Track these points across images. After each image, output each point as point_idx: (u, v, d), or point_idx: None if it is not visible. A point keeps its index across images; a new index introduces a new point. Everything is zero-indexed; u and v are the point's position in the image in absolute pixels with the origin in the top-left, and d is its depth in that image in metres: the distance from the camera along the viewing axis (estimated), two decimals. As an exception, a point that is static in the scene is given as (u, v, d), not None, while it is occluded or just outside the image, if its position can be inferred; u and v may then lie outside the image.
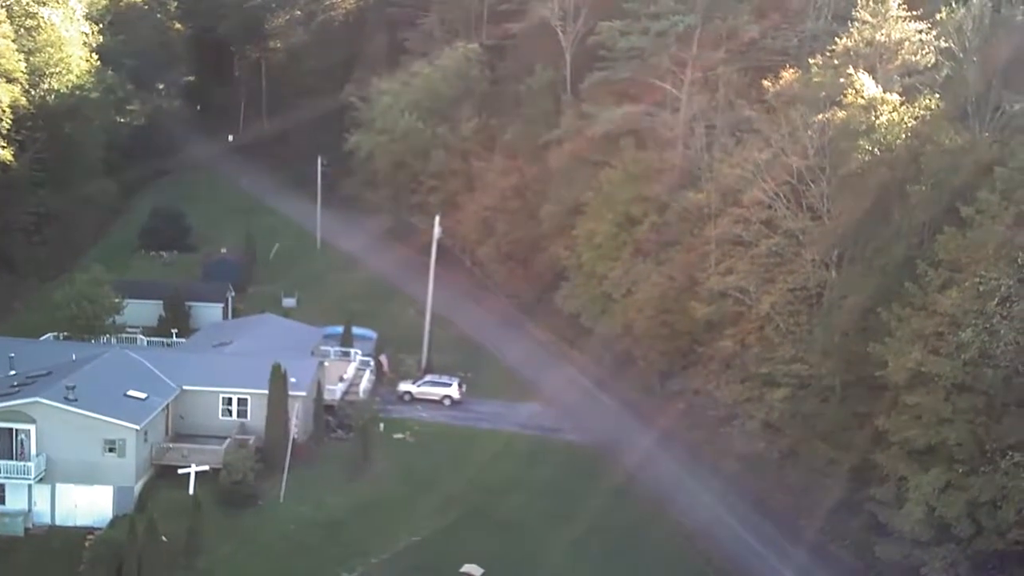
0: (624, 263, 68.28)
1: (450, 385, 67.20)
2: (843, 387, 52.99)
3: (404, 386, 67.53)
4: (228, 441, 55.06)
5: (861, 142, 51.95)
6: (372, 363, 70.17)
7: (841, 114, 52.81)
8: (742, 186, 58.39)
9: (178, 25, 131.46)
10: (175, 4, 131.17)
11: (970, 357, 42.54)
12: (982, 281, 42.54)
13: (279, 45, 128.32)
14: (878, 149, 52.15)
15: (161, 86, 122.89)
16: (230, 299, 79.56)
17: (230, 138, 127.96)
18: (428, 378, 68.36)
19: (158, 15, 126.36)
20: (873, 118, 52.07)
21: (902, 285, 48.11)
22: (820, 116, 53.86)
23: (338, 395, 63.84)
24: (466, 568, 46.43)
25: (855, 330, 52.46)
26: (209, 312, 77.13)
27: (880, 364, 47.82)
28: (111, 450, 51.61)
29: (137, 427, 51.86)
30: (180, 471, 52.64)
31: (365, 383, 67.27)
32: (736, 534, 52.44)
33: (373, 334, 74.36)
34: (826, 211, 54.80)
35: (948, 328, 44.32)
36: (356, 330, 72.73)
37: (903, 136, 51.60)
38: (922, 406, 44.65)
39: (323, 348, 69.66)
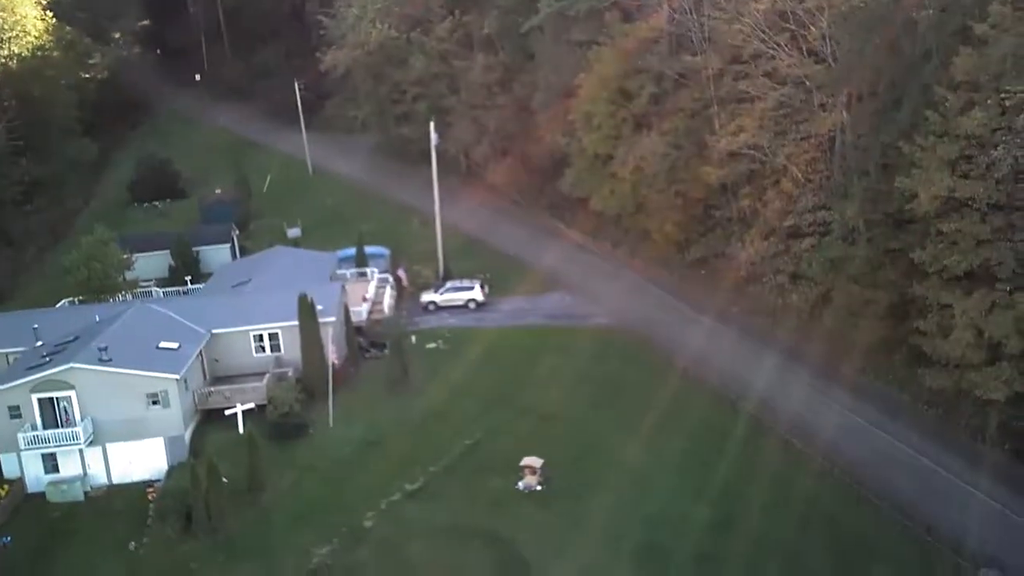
0: (626, 140, 67.25)
1: (472, 288, 66.88)
2: (868, 227, 52.66)
3: (427, 296, 67.23)
4: (267, 376, 54.96)
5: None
6: (391, 279, 69.70)
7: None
8: (739, 40, 57.02)
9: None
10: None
11: (1003, 175, 42.03)
12: (1007, 96, 41.71)
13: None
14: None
15: (118, 35, 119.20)
16: (235, 238, 78.58)
17: (197, 77, 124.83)
18: (449, 284, 68.00)
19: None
20: (868, -55, 50.44)
21: (921, 115, 47.31)
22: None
23: (364, 315, 63.56)
24: (526, 460, 46.83)
25: (874, 168, 51.91)
26: (217, 254, 76.30)
27: (907, 198, 47.40)
28: (155, 403, 51.48)
29: (177, 376, 51.62)
30: (227, 412, 52.65)
31: (388, 299, 66.93)
32: (773, 384, 52.45)
33: (386, 251, 73.71)
34: (830, 53, 53.63)
35: (976, 150, 43.75)
36: (368, 249, 72.00)
37: (903, -41, 50.07)
38: (958, 232, 44.36)
39: (339, 272, 69.08)
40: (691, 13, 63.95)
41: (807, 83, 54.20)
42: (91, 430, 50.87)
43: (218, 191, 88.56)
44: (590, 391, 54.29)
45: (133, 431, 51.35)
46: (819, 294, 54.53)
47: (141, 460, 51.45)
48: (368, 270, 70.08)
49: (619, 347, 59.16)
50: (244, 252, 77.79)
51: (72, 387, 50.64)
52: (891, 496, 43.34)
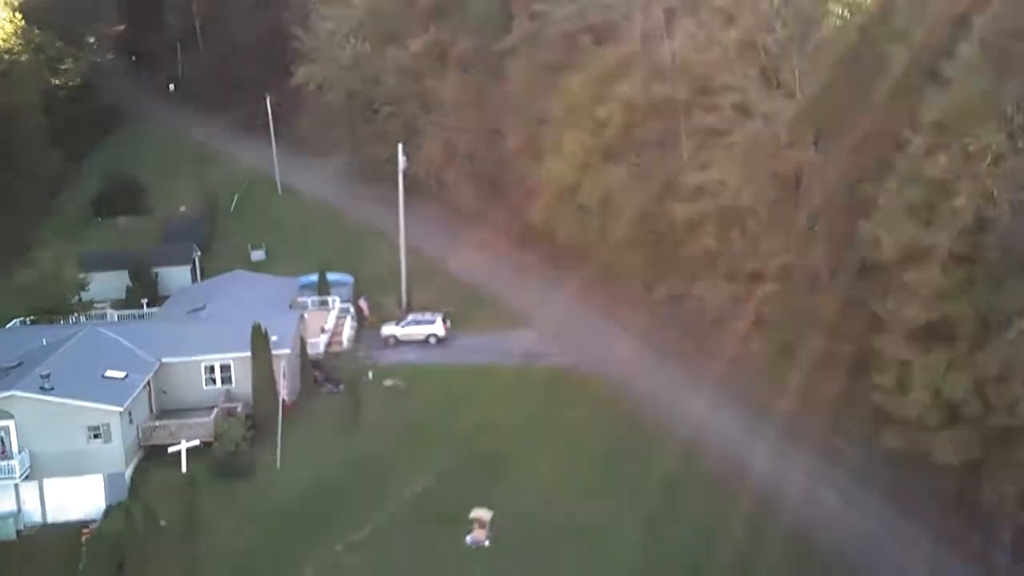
0: (595, 170, 65.72)
1: (433, 322, 65.36)
2: (832, 274, 51.27)
3: (388, 329, 65.68)
4: (216, 411, 53.42)
5: (829, 5, 49.26)
6: (352, 309, 68.15)
7: (804, -24, 49.86)
8: (710, 72, 55.72)
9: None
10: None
11: (965, 224, 40.73)
12: (971, 141, 40.41)
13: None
14: (847, 11, 49.51)
15: (92, 40, 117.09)
16: (196, 259, 76.95)
17: (171, 87, 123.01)
18: (411, 318, 66.43)
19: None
20: (839, -23, 49.24)
21: (887, 157, 45.99)
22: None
23: (322, 347, 62.09)
24: (475, 513, 45.36)
25: (840, 211, 50.57)
26: (177, 276, 74.62)
27: (870, 244, 46.05)
28: (96, 436, 49.96)
29: (120, 408, 50.08)
30: (170, 449, 51.07)
31: (347, 331, 65.41)
32: (737, 439, 51.39)
33: (349, 278, 72.14)
34: (799, 88, 52.35)
35: (939, 196, 42.34)
36: (331, 276, 70.53)
37: (872, -6, 48.89)
38: (918, 282, 42.80)
39: (300, 299, 67.53)
40: (663, 39, 62.71)
41: (775, 119, 52.87)
42: (28, 464, 49.25)
43: (182, 208, 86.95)
44: (547, 436, 52.87)
45: (72, 466, 49.74)
46: (780, 342, 53.06)
47: (79, 498, 49.79)
48: (330, 299, 68.51)
49: (579, 389, 57.66)
50: (206, 274, 76.16)
51: (11, 416, 49.01)
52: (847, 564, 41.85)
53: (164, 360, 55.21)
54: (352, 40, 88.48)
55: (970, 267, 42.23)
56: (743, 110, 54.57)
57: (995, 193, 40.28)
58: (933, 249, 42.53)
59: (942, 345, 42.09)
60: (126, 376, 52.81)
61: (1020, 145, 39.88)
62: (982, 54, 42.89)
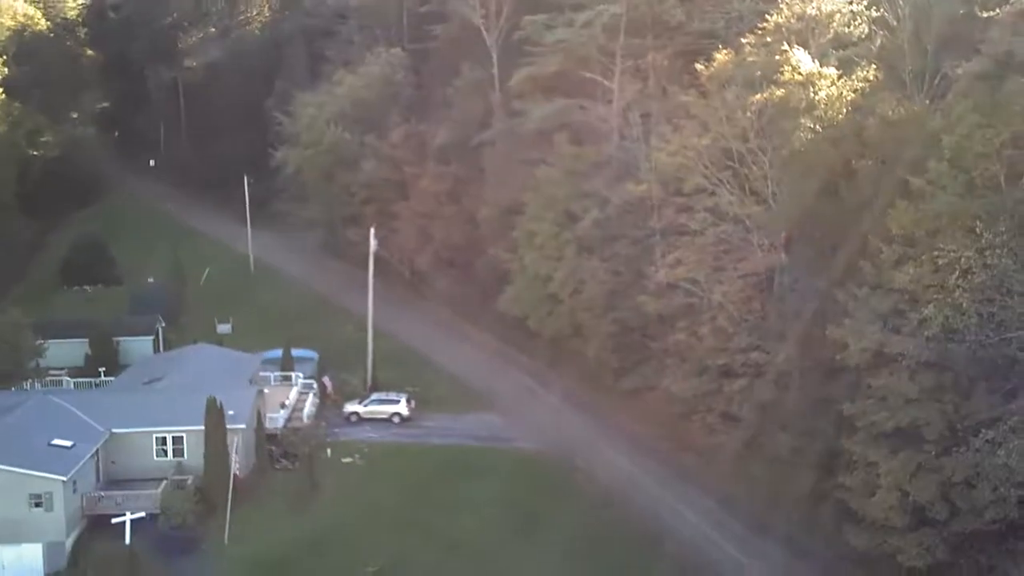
0: (568, 262, 66.19)
1: (398, 402, 64.56)
2: (801, 373, 51.43)
3: (350, 407, 64.69)
4: (164, 483, 51.81)
5: (802, 120, 50.46)
6: (315, 385, 67.13)
7: (779, 92, 51.20)
8: (683, 174, 56.70)
9: (89, 51, 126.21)
10: (84, 30, 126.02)
11: (933, 333, 41.05)
12: (940, 254, 41.07)
13: (195, 64, 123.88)
14: (820, 126, 50.73)
15: (75, 115, 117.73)
16: (160, 331, 75.77)
17: (151, 163, 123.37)
18: (375, 396, 65.59)
19: (67, 43, 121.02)
20: (812, 94, 50.55)
21: (856, 264, 46.63)
22: (757, 96, 52.26)
23: (281, 423, 60.80)
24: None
25: (810, 313, 50.97)
26: (138, 346, 73.29)
27: (839, 347, 46.34)
28: (37, 504, 48.37)
29: (64, 478, 48.68)
30: (114, 520, 49.21)
31: (309, 407, 64.25)
32: (704, 533, 50.69)
33: (314, 354, 71.24)
34: (771, 194, 53.33)
35: (908, 305, 42.84)
36: (296, 352, 69.56)
37: (844, 111, 50.22)
38: (887, 387, 43.08)
39: (262, 374, 66.44)
40: (640, 141, 63.95)
41: (747, 222, 53.67)
42: (-35, 530, 47.29)
43: (150, 280, 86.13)
44: (506, 521, 51.66)
45: (11, 534, 48.09)
46: (748, 437, 52.81)
47: (16, 566, 47.91)
48: (293, 374, 67.51)
49: (542, 475, 56.78)
50: (170, 345, 74.92)
51: (-47, 482, 47.27)
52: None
53: (115, 430, 53.88)
54: (333, 126, 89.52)
55: (939, 374, 42.41)
56: (716, 212, 55.39)
57: (964, 305, 40.72)
58: (901, 356, 42.78)
59: (910, 448, 41.94)
60: (73, 445, 51.44)
61: (989, 260, 40.43)
62: (952, 171, 44.02)
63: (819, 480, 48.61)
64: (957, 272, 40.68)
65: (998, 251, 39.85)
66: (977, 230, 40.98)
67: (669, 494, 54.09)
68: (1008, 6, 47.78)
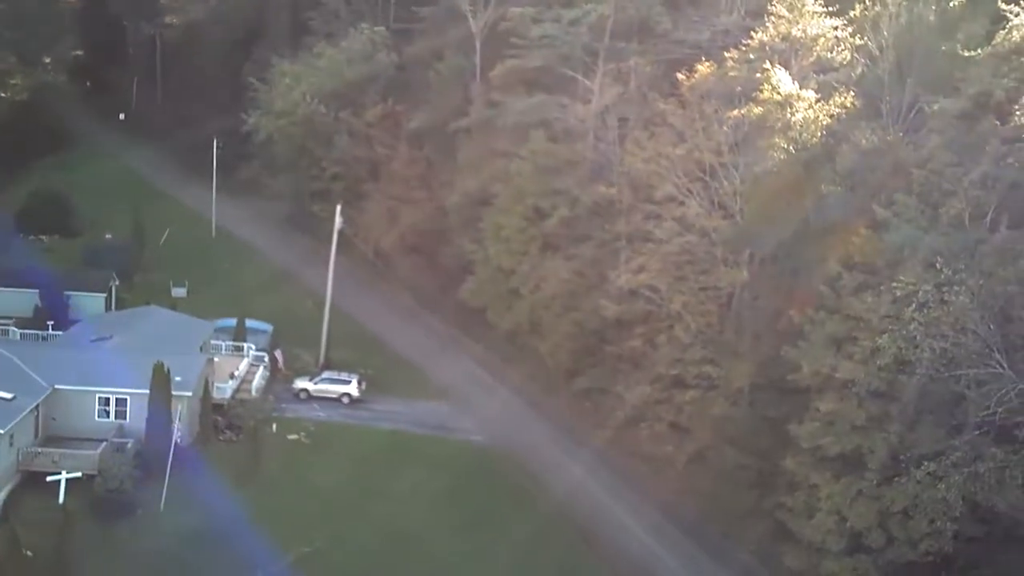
0: (532, 258, 66.11)
1: (349, 382, 64.04)
2: (753, 390, 51.81)
3: (300, 383, 64.05)
4: (104, 445, 50.98)
5: (777, 139, 50.71)
6: (267, 359, 66.40)
7: (757, 110, 51.45)
8: (654, 181, 56.81)
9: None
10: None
11: (885, 363, 41.49)
12: (899, 286, 41.47)
13: (175, 21, 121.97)
14: (793, 147, 51.01)
15: (48, 60, 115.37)
16: (114, 288, 74.35)
17: (121, 116, 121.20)
18: (326, 375, 65.02)
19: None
20: (789, 115, 50.83)
21: (815, 287, 46.98)
22: (735, 111, 52.51)
23: (228, 393, 60.05)
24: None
25: (767, 332, 51.31)
26: (90, 302, 71.67)
27: (792, 368, 46.74)
28: (-30, 456, 47.28)
29: (1, 430, 47.57)
30: (49, 478, 48.37)
31: (258, 380, 63.51)
32: (640, 539, 50.95)
33: (268, 327, 70.44)
34: (739, 210, 53.58)
35: (863, 333, 43.26)
36: (250, 323, 68.68)
37: (819, 135, 50.52)
38: (835, 412, 43.54)
39: (214, 342, 65.56)
40: (615, 144, 63.92)
41: (712, 235, 53.87)
42: None
43: (108, 235, 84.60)
44: (446, 512, 51.56)
45: (-59, 483, 46.90)
46: (695, 449, 53.11)
47: (-58, 517, 46.77)
48: (245, 345, 66.67)
49: (488, 468, 56.75)
50: (123, 304, 73.55)
51: None
52: None
53: (57, 386, 52.89)
54: (308, 98, 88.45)
55: (887, 404, 42.88)
56: (683, 222, 55.54)
57: (917, 338, 41.13)
58: (851, 383, 43.19)
59: (852, 474, 42.40)
60: (14, 397, 50.40)
61: (946, 297, 40.86)
62: (919, 205, 44.48)
63: (761, 497, 49.12)
64: (914, 305, 41.09)
65: (956, 288, 40.30)
66: (937, 265, 41.40)
67: (613, 499, 54.12)
68: (989, 47, 48.27)
